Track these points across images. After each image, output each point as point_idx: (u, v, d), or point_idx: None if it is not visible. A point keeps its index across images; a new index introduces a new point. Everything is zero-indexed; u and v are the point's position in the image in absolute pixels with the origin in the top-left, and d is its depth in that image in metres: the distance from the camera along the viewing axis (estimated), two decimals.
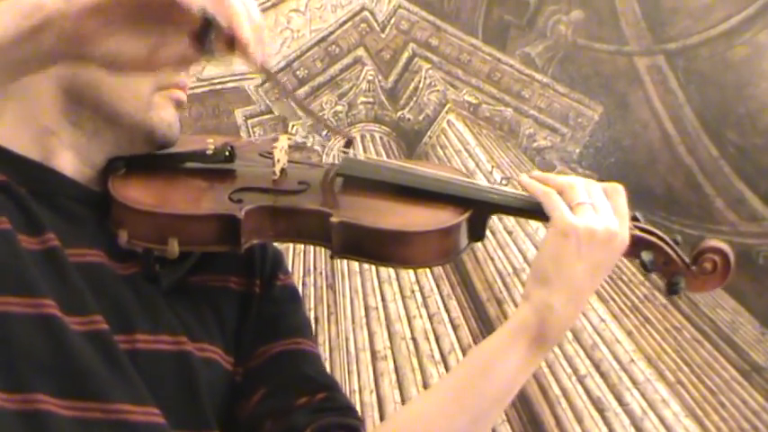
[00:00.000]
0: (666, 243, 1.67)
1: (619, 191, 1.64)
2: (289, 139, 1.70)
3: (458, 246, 1.65)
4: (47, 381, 1.47)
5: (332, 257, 1.61)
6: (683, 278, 1.66)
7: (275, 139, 1.69)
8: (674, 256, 1.66)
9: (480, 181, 1.77)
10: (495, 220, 3.42)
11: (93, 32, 1.35)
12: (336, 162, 1.70)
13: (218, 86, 3.70)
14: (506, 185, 1.73)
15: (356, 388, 3.43)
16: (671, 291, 1.67)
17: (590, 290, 1.63)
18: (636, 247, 1.66)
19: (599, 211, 1.60)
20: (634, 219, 1.68)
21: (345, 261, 3.46)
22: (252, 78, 3.70)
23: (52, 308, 1.49)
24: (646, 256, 1.66)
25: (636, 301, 3.40)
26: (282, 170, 1.66)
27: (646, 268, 1.66)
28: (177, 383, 1.58)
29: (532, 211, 1.66)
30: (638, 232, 1.66)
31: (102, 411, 1.49)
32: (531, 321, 1.59)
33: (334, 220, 1.58)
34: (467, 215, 1.64)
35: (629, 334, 3.38)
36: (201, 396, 1.59)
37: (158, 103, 1.62)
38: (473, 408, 1.60)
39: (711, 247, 1.66)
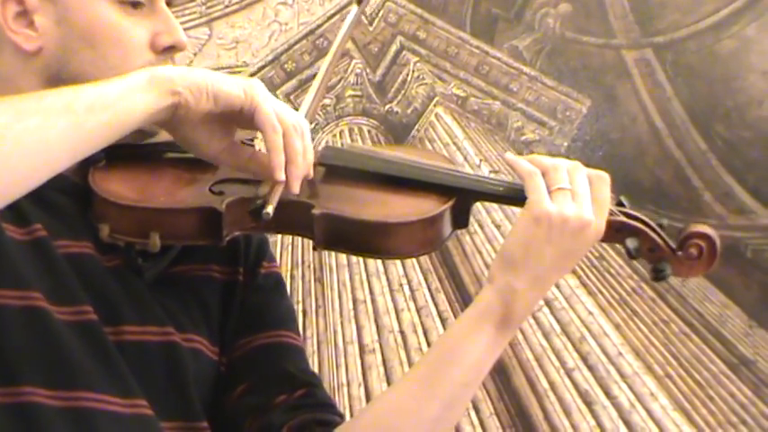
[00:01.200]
0: (652, 229, 1.63)
1: (603, 179, 1.61)
2: None
3: (441, 235, 1.63)
4: (35, 372, 1.47)
5: (315, 249, 1.59)
6: (669, 264, 1.62)
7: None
8: (660, 241, 1.62)
9: (470, 171, 1.75)
10: (482, 214, 3.44)
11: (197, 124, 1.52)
12: (318, 151, 1.69)
13: None
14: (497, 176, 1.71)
15: (344, 381, 3.42)
16: (657, 277, 1.64)
17: (556, 276, 1.62)
18: (620, 233, 1.63)
19: (577, 198, 1.57)
20: (619, 204, 1.66)
21: (333, 254, 3.46)
22: (240, 72, 3.70)
23: (39, 300, 1.49)
24: (630, 242, 1.62)
25: (624, 294, 3.40)
26: None
27: (630, 255, 1.63)
28: (165, 375, 1.57)
29: (516, 198, 1.63)
30: (623, 218, 1.63)
31: (90, 401, 1.49)
32: (495, 305, 1.58)
33: (315, 211, 1.56)
34: (450, 204, 1.62)
35: (617, 327, 3.38)
36: (189, 387, 1.59)
37: None
38: (444, 394, 1.60)
39: (697, 233, 1.62)
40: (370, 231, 1.58)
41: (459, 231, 1.69)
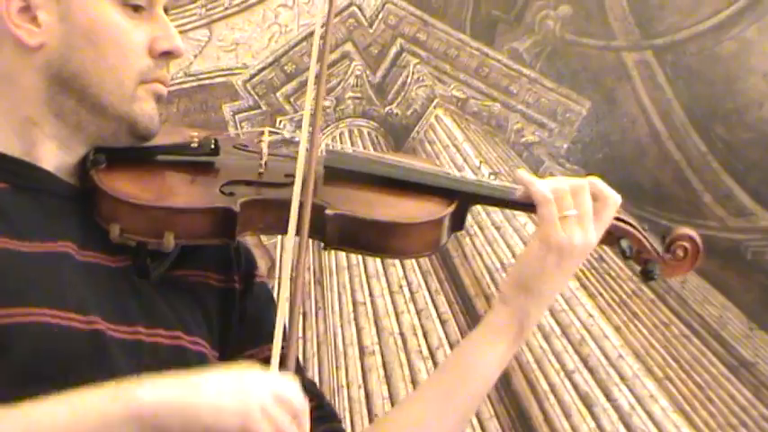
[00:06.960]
0: (639, 232, 1.74)
1: (611, 204, 1.70)
2: (270, 134, 1.70)
3: (443, 237, 1.68)
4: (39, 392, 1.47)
5: (324, 249, 1.64)
6: (657, 265, 1.73)
7: (260, 134, 1.70)
8: (647, 244, 1.73)
9: (469, 176, 1.80)
10: (483, 216, 3.43)
11: None
12: (323, 155, 1.70)
13: (206, 82, 3.69)
14: (495, 180, 1.78)
15: (344, 383, 3.42)
16: (646, 278, 1.75)
17: (559, 291, 1.78)
18: (610, 235, 1.72)
19: (582, 221, 1.67)
20: None
21: (333, 256, 3.46)
22: (239, 74, 3.70)
23: (45, 316, 1.49)
24: (624, 243, 1.73)
25: (624, 296, 3.40)
26: (265, 163, 1.67)
27: (625, 255, 1.73)
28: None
29: (512, 202, 1.71)
30: (614, 221, 1.72)
31: None
32: (511, 324, 1.70)
33: (329, 212, 1.60)
34: (454, 206, 1.67)
35: (618, 329, 3.38)
36: None
37: (141, 96, 1.63)
38: (462, 406, 1.71)
39: (682, 235, 1.74)
40: (382, 231, 1.63)
41: (458, 233, 1.74)
